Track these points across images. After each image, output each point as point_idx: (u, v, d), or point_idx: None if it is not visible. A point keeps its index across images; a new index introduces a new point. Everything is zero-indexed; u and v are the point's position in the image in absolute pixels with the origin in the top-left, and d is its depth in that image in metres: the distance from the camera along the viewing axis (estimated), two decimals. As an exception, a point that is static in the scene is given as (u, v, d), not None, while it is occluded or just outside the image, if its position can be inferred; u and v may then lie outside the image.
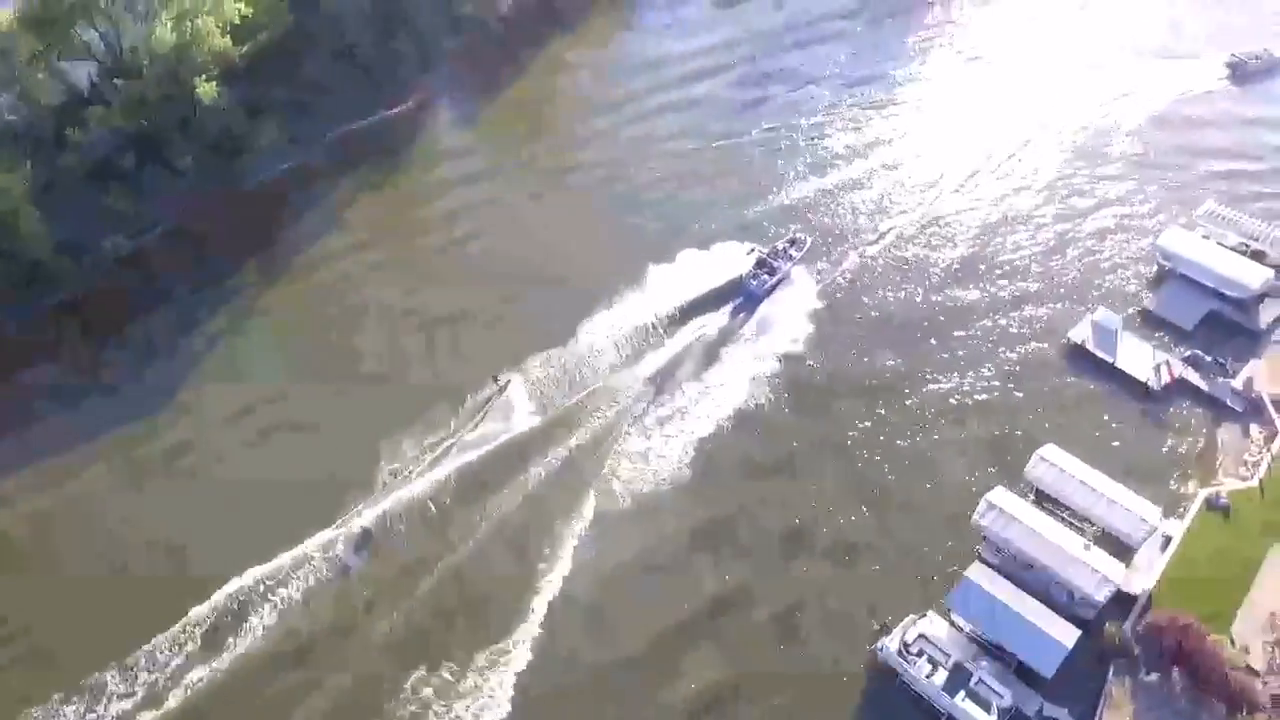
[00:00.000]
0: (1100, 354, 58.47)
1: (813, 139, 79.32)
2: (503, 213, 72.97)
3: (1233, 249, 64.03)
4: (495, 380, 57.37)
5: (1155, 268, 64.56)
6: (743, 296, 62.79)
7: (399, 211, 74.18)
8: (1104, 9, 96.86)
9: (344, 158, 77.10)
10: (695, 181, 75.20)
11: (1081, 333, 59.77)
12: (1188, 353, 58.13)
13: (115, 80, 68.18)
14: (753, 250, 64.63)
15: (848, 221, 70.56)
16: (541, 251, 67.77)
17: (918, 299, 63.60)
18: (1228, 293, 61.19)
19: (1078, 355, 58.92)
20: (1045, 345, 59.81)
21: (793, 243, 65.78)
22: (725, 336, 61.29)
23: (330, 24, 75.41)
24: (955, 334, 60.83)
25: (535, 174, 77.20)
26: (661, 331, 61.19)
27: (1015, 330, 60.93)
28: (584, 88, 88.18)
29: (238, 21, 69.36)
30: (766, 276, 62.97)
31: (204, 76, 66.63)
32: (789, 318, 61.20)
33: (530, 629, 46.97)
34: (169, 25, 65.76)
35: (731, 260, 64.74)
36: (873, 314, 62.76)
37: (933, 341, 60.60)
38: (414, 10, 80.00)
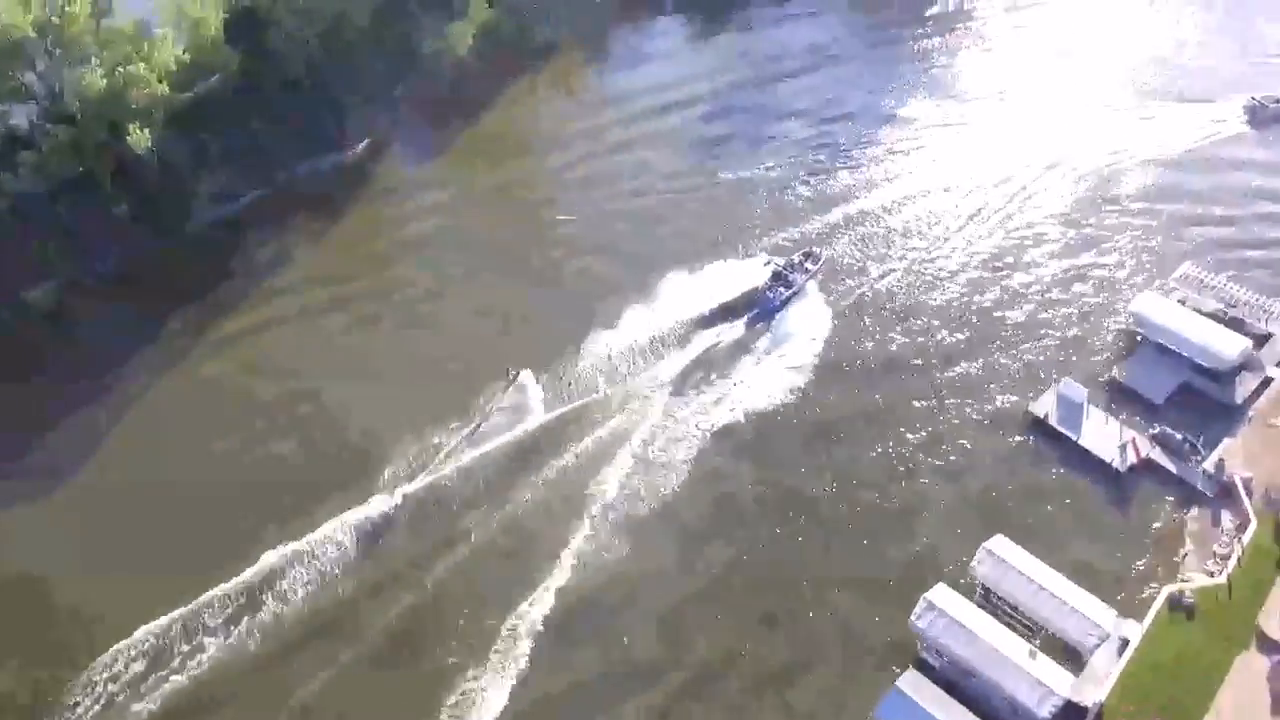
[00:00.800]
0: (1063, 430, 54.75)
1: (793, 181, 76.22)
2: (461, 251, 70.40)
3: (1210, 315, 60.72)
4: (508, 373, 57.92)
5: (1132, 334, 60.59)
6: (758, 309, 63.15)
7: (350, 253, 71.22)
8: (1117, 47, 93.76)
9: (292, 202, 74.31)
10: (658, 224, 72.34)
11: (1044, 405, 56.01)
12: (1156, 430, 54.23)
13: (48, 126, 66.21)
14: (769, 262, 65.18)
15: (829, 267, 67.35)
16: (504, 304, 65.15)
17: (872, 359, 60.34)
18: (1202, 363, 57.38)
19: (1039, 430, 55.31)
20: (1004, 420, 55.83)
21: (808, 256, 65.78)
22: (740, 348, 61.35)
23: (278, 66, 73.23)
24: (914, 403, 57.19)
25: (499, 210, 74.55)
26: (675, 341, 61.67)
27: (971, 401, 57.04)
28: (550, 124, 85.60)
29: (174, 68, 67.26)
30: (782, 289, 63.38)
31: (138, 124, 64.38)
32: (802, 334, 61.42)
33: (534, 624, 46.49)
34: (99, 71, 63.71)
35: (749, 272, 65.62)
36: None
37: (887, 400, 57.25)
38: (367, 50, 77.85)
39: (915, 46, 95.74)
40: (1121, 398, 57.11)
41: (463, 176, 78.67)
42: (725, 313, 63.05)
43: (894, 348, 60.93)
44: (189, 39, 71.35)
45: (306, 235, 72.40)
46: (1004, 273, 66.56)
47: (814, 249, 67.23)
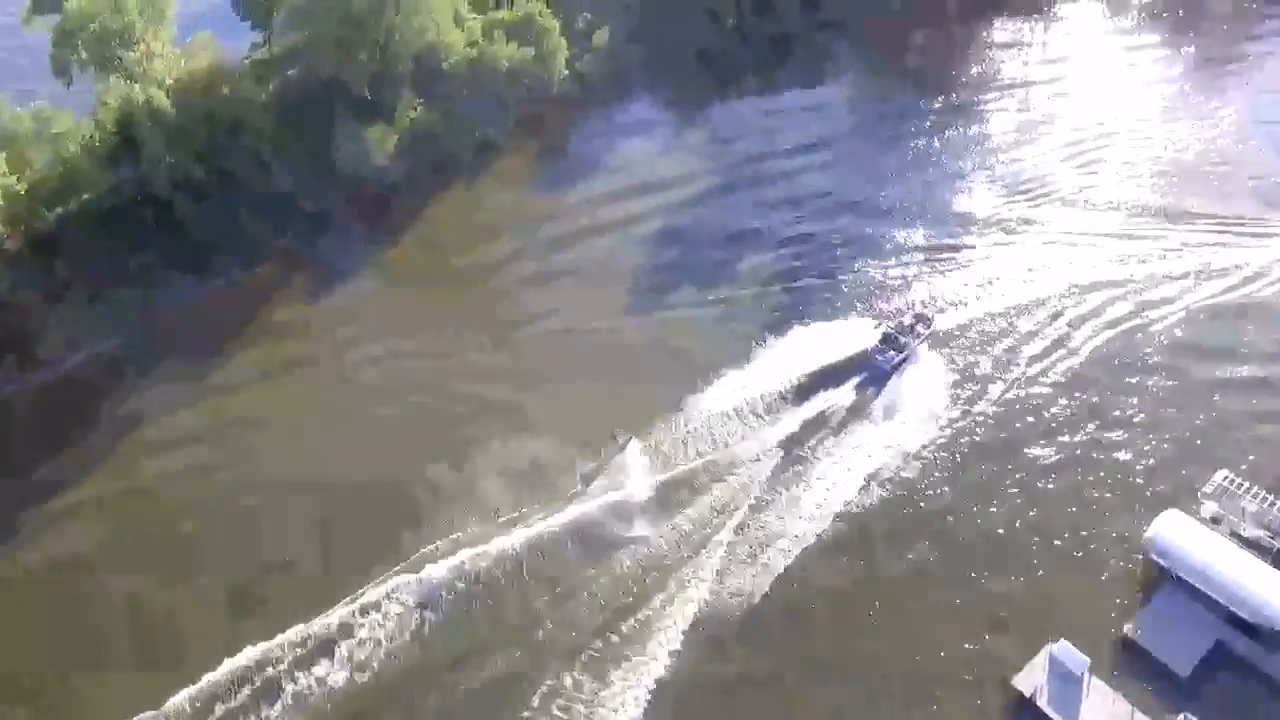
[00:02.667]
0: (1055, 716, 42.35)
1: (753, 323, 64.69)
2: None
3: (1250, 542, 48.07)
4: (615, 438, 55.19)
5: (1149, 567, 47.63)
6: (868, 372, 60.05)
7: (218, 414, 60.59)
8: (1167, 136, 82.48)
9: (177, 336, 63.76)
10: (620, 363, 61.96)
11: (1032, 679, 43.20)
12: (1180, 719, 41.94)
13: None
14: (879, 324, 62.20)
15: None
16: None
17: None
18: (1242, 615, 44.83)
19: (1027, 714, 42.72)
20: (980, 691, 43.44)
21: (919, 319, 62.51)
22: (852, 414, 57.96)
23: (153, 184, 63.18)
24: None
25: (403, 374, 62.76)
26: (786, 403, 58.55)
27: (924, 676, 44.41)
28: (476, 243, 73.85)
29: (2, 201, 57.87)
30: (894, 353, 60.11)
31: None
32: (917, 401, 58.26)
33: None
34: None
35: (858, 334, 62.51)
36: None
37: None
38: (269, 161, 68.53)
39: (921, 145, 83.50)
40: (1135, 665, 43.95)
41: (371, 307, 68.50)
42: (833, 375, 59.99)
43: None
44: (51, 154, 62.33)
45: (180, 381, 62.23)
46: (989, 464, 54.09)
47: (925, 310, 63.59)
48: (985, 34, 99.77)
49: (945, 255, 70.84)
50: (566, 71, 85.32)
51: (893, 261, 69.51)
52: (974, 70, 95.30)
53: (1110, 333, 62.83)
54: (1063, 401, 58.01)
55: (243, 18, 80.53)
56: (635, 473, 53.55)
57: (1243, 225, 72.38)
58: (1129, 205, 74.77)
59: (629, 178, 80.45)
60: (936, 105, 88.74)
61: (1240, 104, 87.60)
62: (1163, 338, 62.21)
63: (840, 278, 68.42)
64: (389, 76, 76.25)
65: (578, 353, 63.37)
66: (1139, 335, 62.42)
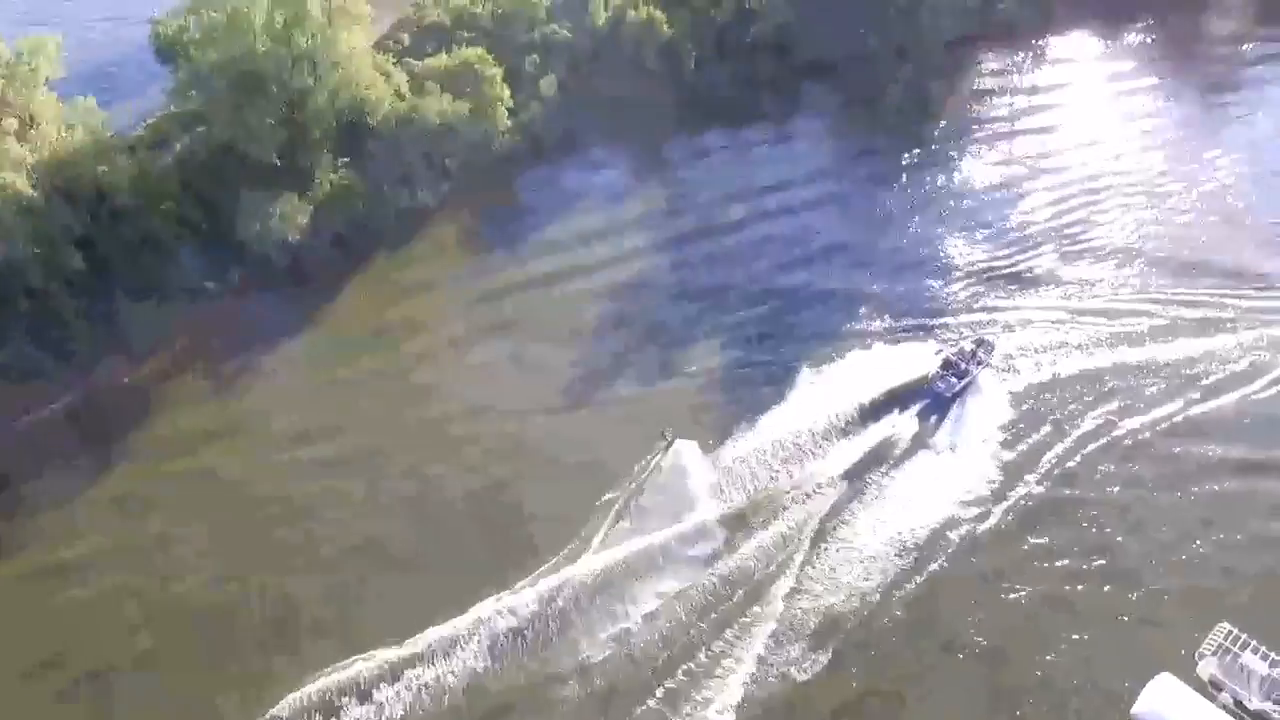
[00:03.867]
0: None
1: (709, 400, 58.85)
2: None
3: (1257, 716, 41.04)
4: (664, 436, 55.66)
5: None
6: (929, 398, 58.69)
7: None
8: (1161, 188, 76.41)
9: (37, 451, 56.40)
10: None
11: None
12: None
13: None
14: (940, 350, 60.89)
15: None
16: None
17: None
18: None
19: None
20: None
21: (980, 344, 60.99)
22: (914, 443, 56.85)
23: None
24: None
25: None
26: (844, 429, 57.24)
27: None
28: (422, 318, 66.75)
29: None
30: (954, 379, 58.75)
31: None
32: (981, 427, 57.10)
33: None
34: None
35: (917, 359, 61.19)
36: None
37: None
38: (161, 247, 61.61)
39: (890, 206, 76.18)
40: None
41: (282, 404, 61.31)
42: (894, 401, 58.58)
43: None
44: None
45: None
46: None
47: (985, 336, 61.96)
48: (969, 72, 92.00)
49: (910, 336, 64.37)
50: (510, 123, 78.82)
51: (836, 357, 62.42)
52: (956, 112, 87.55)
53: (1098, 445, 56.24)
54: (1049, 532, 51.41)
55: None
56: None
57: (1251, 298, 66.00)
58: (1116, 282, 67.92)
59: (581, 236, 73.28)
60: (913, 156, 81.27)
61: (1239, 148, 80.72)
62: (1162, 448, 55.61)
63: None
64: (305, 139, 69.73)
65: (514, 459, 56.89)
66: (1133, 448, 55.86)
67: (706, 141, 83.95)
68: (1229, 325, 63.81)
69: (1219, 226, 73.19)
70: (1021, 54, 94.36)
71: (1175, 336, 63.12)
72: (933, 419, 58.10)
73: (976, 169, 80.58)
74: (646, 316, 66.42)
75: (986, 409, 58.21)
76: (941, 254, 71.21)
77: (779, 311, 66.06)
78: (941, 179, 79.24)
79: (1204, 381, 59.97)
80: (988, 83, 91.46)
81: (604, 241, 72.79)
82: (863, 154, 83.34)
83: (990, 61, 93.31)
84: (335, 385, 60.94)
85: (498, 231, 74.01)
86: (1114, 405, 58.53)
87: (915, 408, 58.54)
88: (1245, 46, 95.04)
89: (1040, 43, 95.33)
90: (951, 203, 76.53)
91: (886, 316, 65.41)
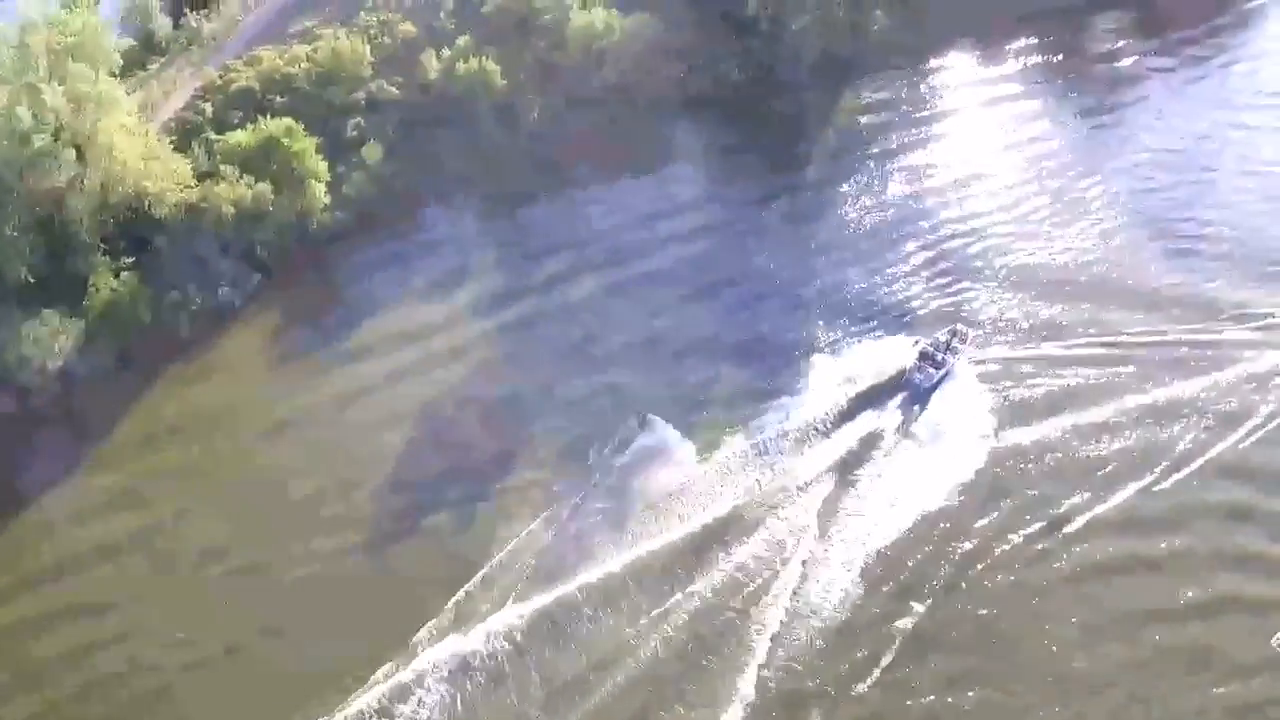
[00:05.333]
0: None
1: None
2: None
3: None
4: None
5: None
6: (908, 390, 58.37)
7: None
8: (1038, 229, 70.89)
9: None
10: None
11: None
12: None
13: None
14: (917, 342, 60.39)
15: None
16: None
17: None
18: None
19: None
20: None
21: (954, 334, 60.42)
22: (895, 436, 56.53)
23: None
24: None
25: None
26: (827, 426, 56.83)
27: None
28: (215, 442, 57.22)
29: None
30: (933, 370, 58.48)
31: None
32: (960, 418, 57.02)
33: None
34: None
35: (895, 352, 60.84)
36: None
37: None
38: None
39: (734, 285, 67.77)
40: None
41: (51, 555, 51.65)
42: (875, 396, 58.25)
43: None
44: None
45: None
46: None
47: (959, 326, 61.11)
48: (843, 100, 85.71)
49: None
50: (329, 199, 70.13)
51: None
52: (825, 150, 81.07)
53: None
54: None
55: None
56: None
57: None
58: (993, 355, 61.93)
59: (407, 331, 64.37)
60: (774, 206, 74.61)
61: (1116, 176, 75.99)
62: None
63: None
64: (72, 243, 60.47)
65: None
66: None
67: (556, 200, 75.73)
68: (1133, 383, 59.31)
69: (1101, 266, 68.30)
70: (898, 79, 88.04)
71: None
72: (915, 410, 57.81)
73: (850, 210, 74.11)
74: (464, 434, 57.91)
75: (966, 397, 58.18)
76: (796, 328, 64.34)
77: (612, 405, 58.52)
78: (810, 228, 72.66)
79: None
80: (863, 111, 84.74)
81: (438, 334, 64.22)
82: (730, 198, 75.95)
83: (865, 88, 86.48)
84: (98, 552, 51.74)
85: (310, 331, 64.69)
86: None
87: (896, 401, 58.15)
88: (1124, 62, 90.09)
89: (919, 66, 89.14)
90: (821, 254, 70.02)
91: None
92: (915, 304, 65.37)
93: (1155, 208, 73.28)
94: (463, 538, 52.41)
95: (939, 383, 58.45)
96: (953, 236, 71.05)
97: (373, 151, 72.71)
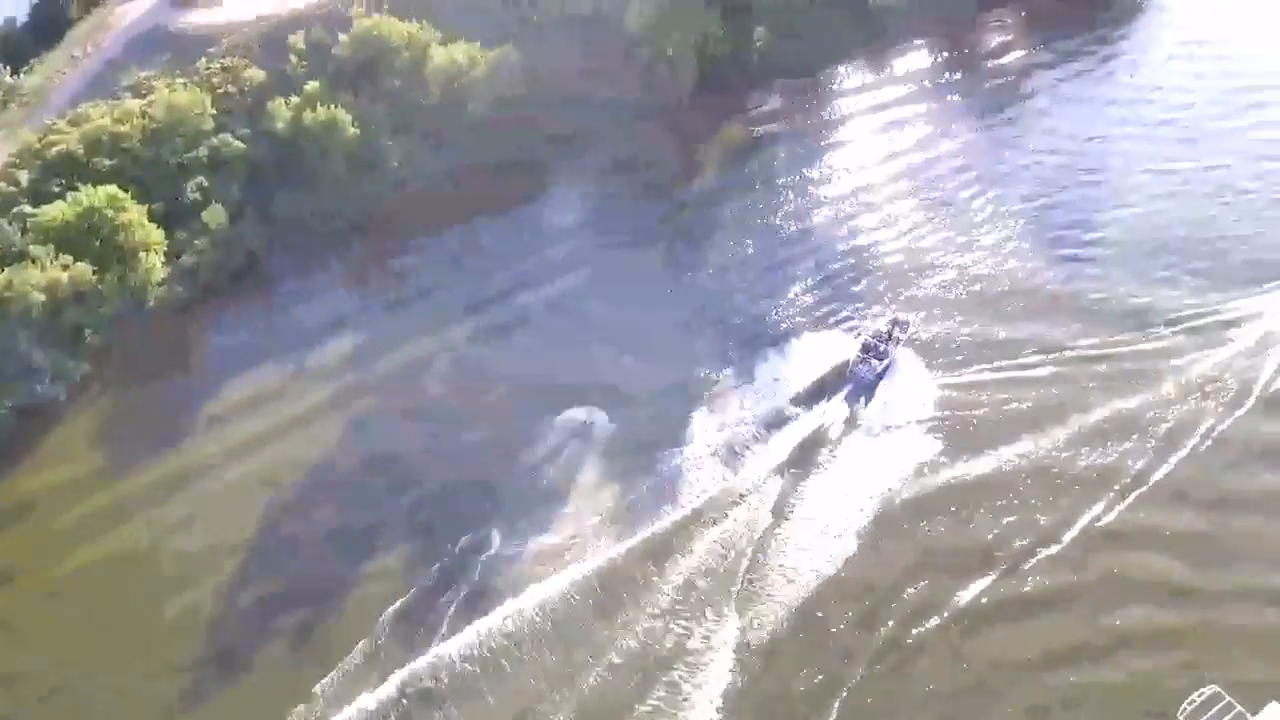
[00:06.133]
0: None
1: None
2: None
3: None
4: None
5: None
6: (852, 384, 57.73)
7: None
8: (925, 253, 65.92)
9: None
10: None
11: None
12: None
13: None
14: (859, 334, 60.42)
15: None
16: None
17: None
18: None
19: None
20: None
21: (895, 323, 60.41)
22: (842, 429, 55.28)
23: None
24: None
25: None
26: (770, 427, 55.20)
27: None
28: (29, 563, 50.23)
29: None
30: (875, 362, 58.03)
31: None
32: (907, 405, 56.44)
33: None
34: None
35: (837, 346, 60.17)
36: None
37: None
38: None
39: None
40: None
41: None
42: (820, 391, 57.22)
43: None
44: None
45: None
46: None
47: (899, 315, 61.08)
48: (727, 122, 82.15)
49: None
50: (166, 272, 63.54)
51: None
52: (709, 171, 77.38)
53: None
54: None
55: None
56: None
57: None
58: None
59: (263, 390, 59.37)
60: (654, 233, 70.54)
61: (1008, 184, 73.44)
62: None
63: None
64: None
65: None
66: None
67: (425, 248, 70.52)
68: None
69: (1001, 278, 65.16)
70: (786, 93, 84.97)
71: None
72: (861, 402, 56.88)
73: (736, 230, 70.48)
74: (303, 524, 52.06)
75: (911, 386, 57.45)
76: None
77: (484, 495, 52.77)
78: (694, 250, 68.92)
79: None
80: (748, 128, 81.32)
81: (287, 402, 58.68)
82: (608, 238, 71.01)
83: (751, 104, 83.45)
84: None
85: (139, 421, 58.24)
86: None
87: (841, 395, 57.00)
88: (1012, 64, 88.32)
89: (806, 80, 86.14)
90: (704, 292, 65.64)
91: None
92: (804, 319, 62.39)
93: (1048, 215, 70.59)
94: (316, 634, 46.91)
95: (883, 373, 57.98)
96: (846, 254, 67.98)
97: (215, 215, 66.19)
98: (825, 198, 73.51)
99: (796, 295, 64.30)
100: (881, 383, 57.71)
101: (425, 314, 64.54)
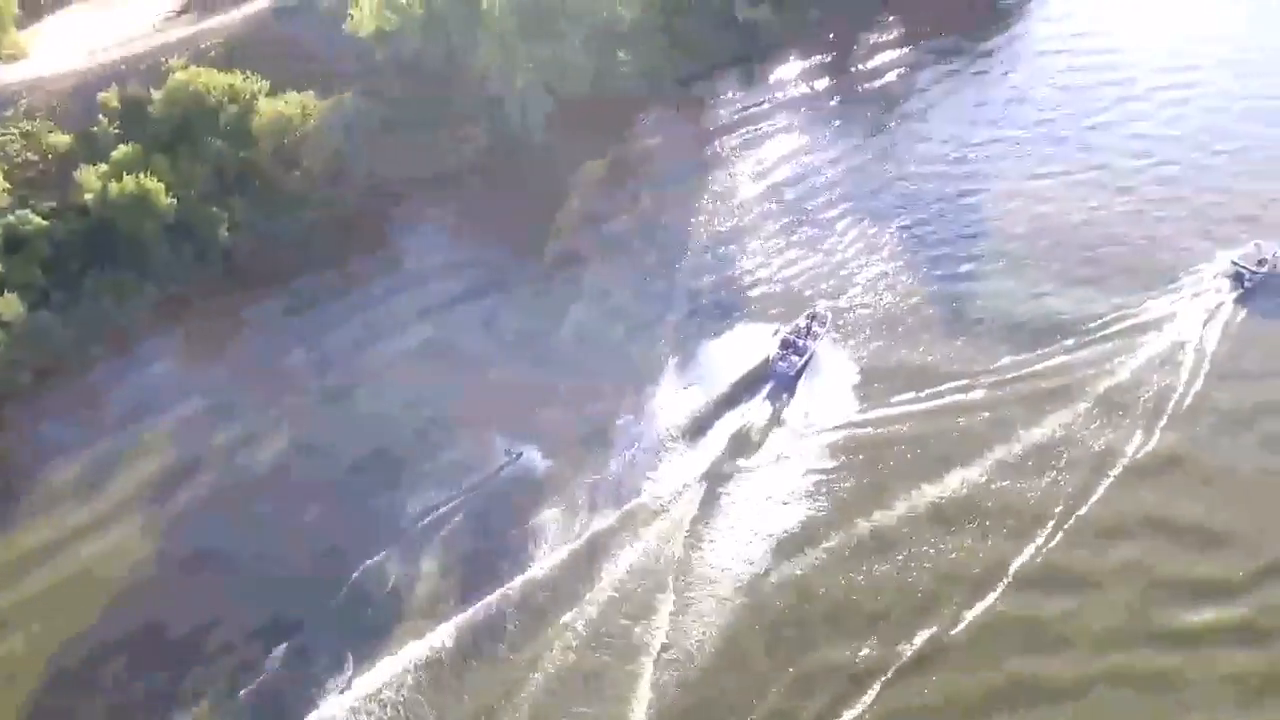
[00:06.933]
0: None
1: None
2: None
3: None
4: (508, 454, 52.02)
5: None
6: (774, 380, 56.66)
7: None
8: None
9: None
10: None
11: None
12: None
13: None
14: (777, 331, 58.85)
15: None
16: None
17: None
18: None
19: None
20: None
21: (813, 318, 59.93)
22: (765, 425, 54.37)
23: None
24: None
25: None
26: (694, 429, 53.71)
27: None
28: None
29: None
30: (795, 358, 57.00)
31: None
32: (827, 397, 56.18)
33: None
34: None
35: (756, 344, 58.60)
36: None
37: None
38: None
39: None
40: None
41: None
42: (741, 391, 56.23)
43: None
44: None
45: None
46: None
47: (817, 309, 60.97)
48: (589, 155, 76.19)
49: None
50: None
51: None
52: (571, 206, 72.40)
53: None
54: None
55: None
56: None
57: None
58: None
59: (81, 495, 51.53)
60: (523, 284, 65.10)
61: (871, 203, 70.84)
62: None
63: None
64: None
65: None
66: None
67: (260, 317, 63.25)
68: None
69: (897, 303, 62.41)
70: (654, 117, 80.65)
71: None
72: (784, 398, 56.17)
73: (602, 266, 66.22)
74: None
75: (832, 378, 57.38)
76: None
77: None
78: (558, 290, 64.20)
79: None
80: (615, 158, 76.92)
81: (99, 504, 51.29)
82: (466, 283, 65.42)
83: (614, 135, 78.23)
84: None
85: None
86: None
87: (763, 392, 56.13)
88: (890, 75, 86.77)
89: (677, 100, 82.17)
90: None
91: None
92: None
93: (926, 232, 68.43)
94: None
95: (803, 368, 57.25)
96: (716, 285, 64.34)
97: (10, 305, 58.11)
98: (696, 226, 69.49)
99: (664, 331, 60.49)
100: (801, 378, 57.15)
101: (263, 384, 58.22)
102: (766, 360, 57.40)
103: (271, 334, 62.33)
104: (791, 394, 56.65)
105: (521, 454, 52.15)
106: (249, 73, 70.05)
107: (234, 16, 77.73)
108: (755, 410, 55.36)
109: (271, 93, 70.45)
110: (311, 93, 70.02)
